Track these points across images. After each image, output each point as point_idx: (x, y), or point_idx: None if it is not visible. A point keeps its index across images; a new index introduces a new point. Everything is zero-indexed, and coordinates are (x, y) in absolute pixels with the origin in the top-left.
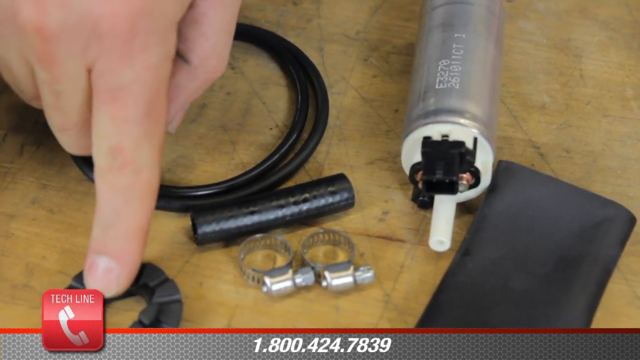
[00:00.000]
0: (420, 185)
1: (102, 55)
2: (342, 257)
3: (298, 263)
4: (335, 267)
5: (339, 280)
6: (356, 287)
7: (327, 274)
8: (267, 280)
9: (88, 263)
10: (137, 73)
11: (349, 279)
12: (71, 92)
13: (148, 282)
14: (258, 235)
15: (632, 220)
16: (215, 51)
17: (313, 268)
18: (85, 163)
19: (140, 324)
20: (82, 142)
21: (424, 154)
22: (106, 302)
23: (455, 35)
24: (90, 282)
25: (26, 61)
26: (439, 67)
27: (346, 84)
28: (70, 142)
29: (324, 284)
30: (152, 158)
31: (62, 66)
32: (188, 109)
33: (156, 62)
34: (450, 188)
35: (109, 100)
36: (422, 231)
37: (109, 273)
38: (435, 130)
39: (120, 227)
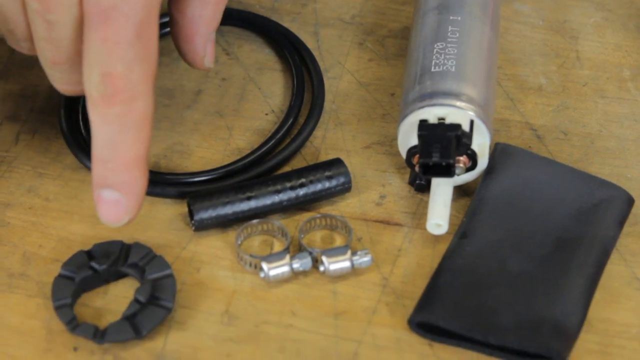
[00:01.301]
0: (416, 168)
1: None
2: (339, 241)
3: (295, 248)
4: (333, 252)
5: (336, 264)
6: (354, 271)
7: (324, 258)
8: (265, 265)
9: (95, 197)
10: None
11: (347, 264)
12: (63, 21)
13: (137, 260)
14: (255, 221)
15: (630, 201)
16: None
17: (310, 253)
18: (81, 150)
19: (137, 303)
20: (73, 77)
21: (420, 137)
22: (101, 285)
23: (451, 17)
24: (101, 215)
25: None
26: (435, 50)
27: (342, 69)
28: (62, 78)
29: (322, 268)
30: (145, 85)
31: None
32: (184, 93)
33: None
34: (447, 171)
35: (100, 21)
36: (420, 215)
37: (116, 205)
38: (431, 113)
39: (119, 158)
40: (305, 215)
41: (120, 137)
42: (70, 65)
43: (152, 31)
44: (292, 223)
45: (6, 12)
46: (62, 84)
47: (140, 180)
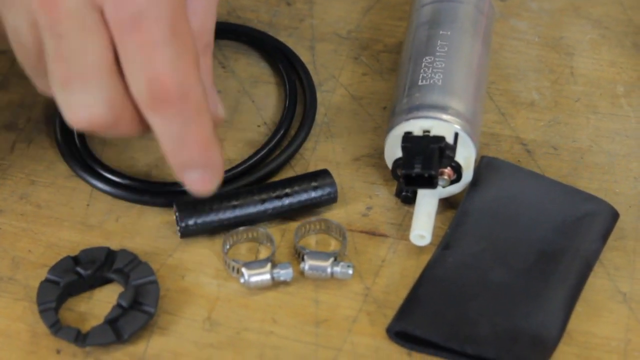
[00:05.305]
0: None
1: None
2: (334, 245)
3: (284, 254)
4: (316, 255)
5: (316, 270)
6: (336, 280)
7: (306, 257)
8: (245, 271)
9: (179, 177)
10: None
11: (327, 270)
12: (74, 32)
13: (122, 266)
14: (242, 228)
15: (615, 215)
16: None
17: (300, 253)
18: (74, 159)
19: (119, 307)
20: (86, 99)
21: (403, 148)
22: (86, 290)
23: (441, 32)
24: (191, 190)
25: (32, 20)
26: (423, 64)
27: (336, 82)
28: (77, 101)
29: (301, 265)
30: (192, 76)
31: (63, 3)
32: None
33: None
34: (430, 182)
35: (132, 28)
36: (405, 226)
37: (202, 179)
38: (416, 126)
39: (190, 148)
40: (293, 225)
41: (185, 130)
42: (81, 84)
43: (184, 25)
44: (279, 232)
45: (23, 39)
46: (78, 107)
47: (216, 153)
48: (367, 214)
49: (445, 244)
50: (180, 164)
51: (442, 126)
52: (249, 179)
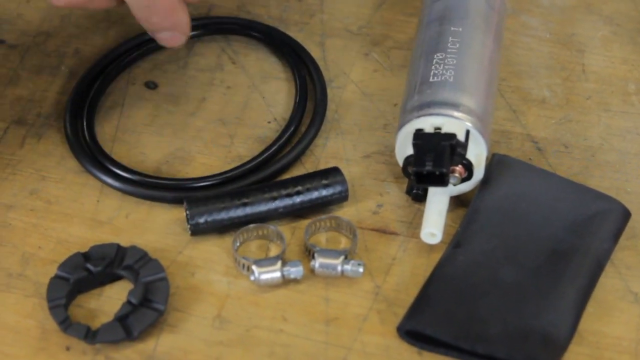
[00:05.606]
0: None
1: None
2: (344, 243)
3: (294, 251)
4: (327, 253)
5: (326, 266)
6: (347, 278)
7: (316, 255)
8: (255, 269)
9: (152, 35)
10: None
11: (337, 269)
12: None
13: (132, 263)
14: (252, 226)
15: (626, 214)
16: None
17: (310, 250)
18: (84, 155)
19: (129, 304)
20: None
21: (415, 145)
22: (96, 286)
23: (452, 28)
24: (162, 44)
25: None
26: (434, 61)
27: (346, 78)
28: None
29: (312, 263)
30: None
31: None
32: (188, 100)
33: None
34: (441, 180)
35: None
36: (416, 224)
37: (173, 38)
38: (428, 123)
39: (157, 15)
40: (302, 223)
41: (152, 1)
42: None
43: None
44: (289, 230)
45: None
46: None
47: (180, 17)
48: (377, 212)
49: (456, 242)
50: (151, 27)
51: (454, 123)
52: (259, 176)
